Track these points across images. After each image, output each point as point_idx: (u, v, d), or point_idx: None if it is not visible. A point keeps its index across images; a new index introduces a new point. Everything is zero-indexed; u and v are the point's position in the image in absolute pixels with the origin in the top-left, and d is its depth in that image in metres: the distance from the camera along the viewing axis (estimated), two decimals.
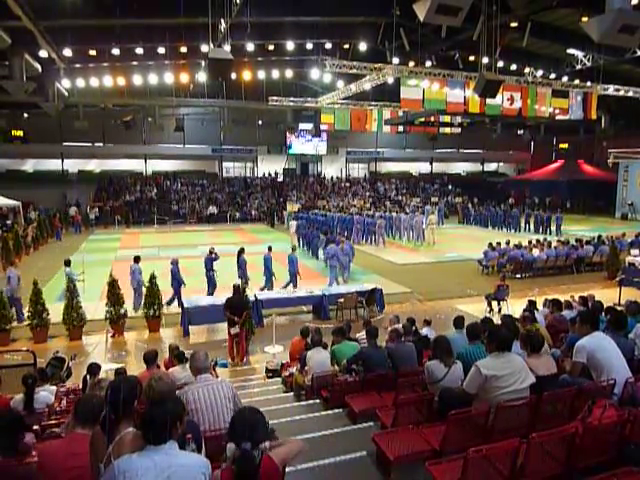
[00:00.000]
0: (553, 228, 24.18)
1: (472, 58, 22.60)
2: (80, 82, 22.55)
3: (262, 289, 12.70)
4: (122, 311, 10.18)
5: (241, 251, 12.88)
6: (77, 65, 21.08)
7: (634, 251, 14.89)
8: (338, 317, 11.11)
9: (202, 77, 22.12)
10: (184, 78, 21.97)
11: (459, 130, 34.20)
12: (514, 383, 3.73)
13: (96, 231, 27.59)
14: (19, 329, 10.25)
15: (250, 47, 20.65)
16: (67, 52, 18.69)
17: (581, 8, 17.32)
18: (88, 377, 5.83)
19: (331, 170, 40.70)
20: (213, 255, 12.56)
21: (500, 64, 19.84)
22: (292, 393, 6.46)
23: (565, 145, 38.49)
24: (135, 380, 2.95)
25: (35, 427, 4.32)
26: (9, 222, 23.66)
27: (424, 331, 7.42)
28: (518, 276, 15.02)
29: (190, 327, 10.32)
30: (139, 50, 20.16)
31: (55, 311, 9.99)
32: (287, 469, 2.98)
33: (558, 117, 25.91)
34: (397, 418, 4.21)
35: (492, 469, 3.13)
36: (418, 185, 40.77)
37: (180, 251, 17.90)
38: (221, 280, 12.44)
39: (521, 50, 21.77)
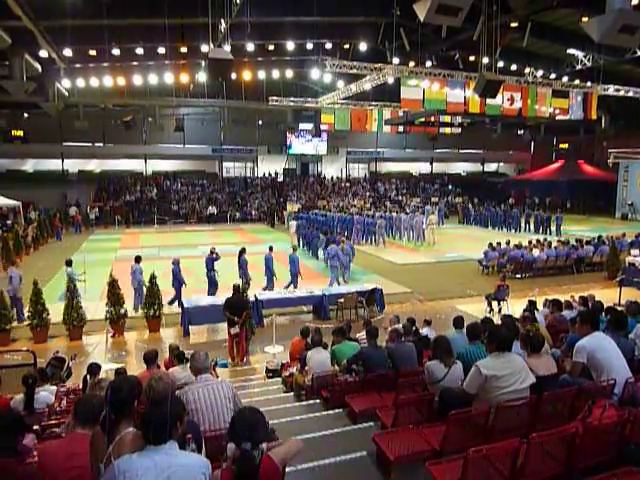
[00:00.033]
0: (553, 228, 24.17)
1: (472, 58, 22.61)
2: (80, 82, 22.55)
3: (265, 289, 12.72)
4: (122, 311, 10.18)
5: (242, 251, 12.87)
6: (77, 65, 21.09)
7: (634, 251, 14.89)
8: (338, 317, 11.11)
9: (202, 77, 22.12)
10: (184, 78, 21.95)
11: (459, 130, 34.17)
12: (514, 383, 3.73)
13: (96, 231, 27.59)
14: (19, 329, 10.25)
15: (250, 47, 20.65)
16: (67, 52, 18.69)
17: (581, 8, 17.34)
18: (88, 377, 5.83)
19: (331, 170, 40.70)
20: (214, 255, 12.56)
21: (500, 64, 19.87)
22: (292, 393, 6.46)
23: (565, 145, 38.49)
24: (135, 380, 2.95)
25: (35, 427, 4.32)
26: (9, 222, 23.66)
27: (424, 331, 7.41)
28: (518, 276, 15.02)
29: (190, 327, 10.32)
30: (139, 50, 20.16)
31: (55, 311, 9.99)
32: (287, 469, 2.98)
33: (558, 117, 25.91)
34: (397, 418, 4.21)
35: (492, 469, 3.13)
36: (418, 185, 40.77)
37: (180, 251, 17.90)
38: (222, 280, 12.44)
39: (521, 50, 21.78)
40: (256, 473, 2.37)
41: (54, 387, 5.78)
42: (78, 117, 27.36)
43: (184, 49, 20.86)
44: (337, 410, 5.31)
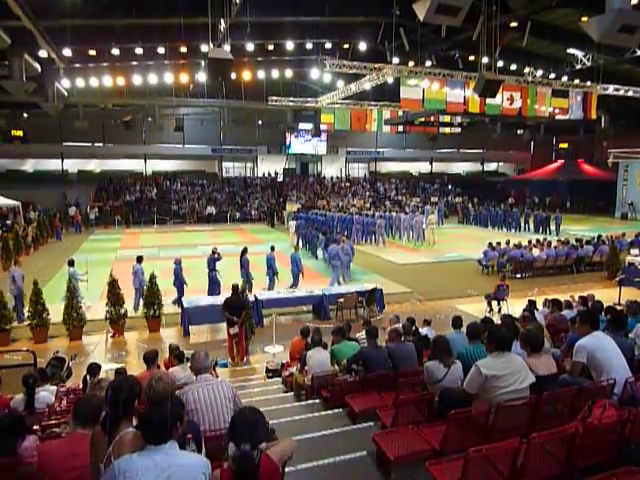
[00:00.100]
0: (553, 228, 24.19)
1: (472, 58, 22.59)
2: (80, 82, 22.55)
3: (268, 289, 12.72)
4: (122, 311, 10.19)
5: (244, 251, 12.86)
6: (77, 65, 21.10)
7: (634, 251, 14.89)
8: (338, 317, 11.11)
9: (202, 77, 22.12)
10: (184, 78, 21.96)
11: (459, 130, 34.20)
12: (514, 383, 3.73)
13: (96, 231, 27.59)
14: (19, 329, 10.26)
15: (250, 47, 20.67)
16: (67, 52, 18.69)
17: (581, 8, 17.33)
18: (88, 377, 5.83)
19: (331, 170, 40.70)
20: (216, 255, 12.56)
21: (500, 64, 19.84)
22: (292, 393, 6.46)
23: (565, 145, 38.51)
24: (135, 380, 2.95)
25: (35, 427, 4.32)
26: (9, 222, 23.67)
27: (424, 331, 7.42)
28: (518, 276, 15.02)
29: (190, 327, 10.32)
30: (139, 50, 20.16)
31: (55, 311, 9.99)
32: (287, 469, 2.99)
33: (558, 117, 25.88)
34: (397, 418, 4.21)
35: (492, 469, 3.13)
36: (418, 185, 40.76)
37: (180, 251, 17.89)
38: (223, 280, 12.43)
39: (521, 50, 21.76)
40: (256, 473, 2.37)
41: (54, 387, 5.78)
42: (78, 117, 27.35)
43: (184, 49, 20.87)
44: (337, 410, 5.31)
